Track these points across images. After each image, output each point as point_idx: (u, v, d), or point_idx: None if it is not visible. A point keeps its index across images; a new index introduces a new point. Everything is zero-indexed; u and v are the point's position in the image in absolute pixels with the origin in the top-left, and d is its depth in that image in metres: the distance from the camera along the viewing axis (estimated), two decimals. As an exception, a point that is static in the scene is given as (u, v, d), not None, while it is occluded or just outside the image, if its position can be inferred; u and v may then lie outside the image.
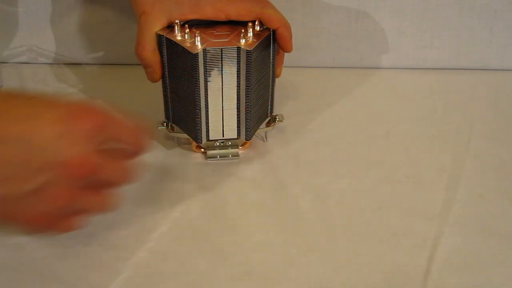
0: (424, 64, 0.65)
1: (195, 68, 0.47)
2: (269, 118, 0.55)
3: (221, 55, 0.48)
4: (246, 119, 0.51)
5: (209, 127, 0.52)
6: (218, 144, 0.53)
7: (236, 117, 0.51)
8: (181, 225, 0.47)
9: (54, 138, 0.38)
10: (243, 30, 0.49)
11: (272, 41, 0.51)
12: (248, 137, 0.52)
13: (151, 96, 0.55)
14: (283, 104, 0.60)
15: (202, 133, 0.51)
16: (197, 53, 0.47)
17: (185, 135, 0.53)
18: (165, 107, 0.53)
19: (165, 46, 0.49)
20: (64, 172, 0.39)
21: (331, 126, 0.57)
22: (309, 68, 0.66)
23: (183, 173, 0.52)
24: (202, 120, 0.51)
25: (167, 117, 0.54)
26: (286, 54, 0.53)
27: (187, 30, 0.48)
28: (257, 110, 0.53)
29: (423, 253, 0.44)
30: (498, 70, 0.65)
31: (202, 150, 0.54)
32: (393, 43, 0.65)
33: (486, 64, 0.65)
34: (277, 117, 0.55)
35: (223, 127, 0.52)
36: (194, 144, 0.53)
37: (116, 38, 0.66)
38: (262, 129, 0.55)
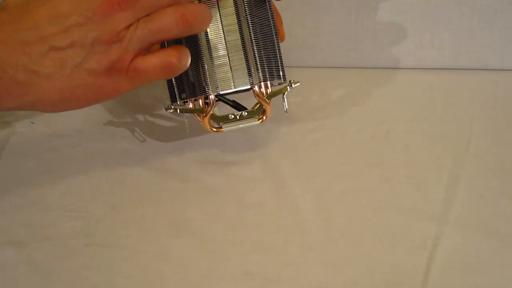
0: (424, 64, 0.65)
1: None
2: (283, 82, 0.53)
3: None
4: (255, 58, 0.49)
5: (217, 76, 0.49)
6: (233, 117, 0.50)
7: (244, 62, 0.49)
8: (181, 225, 0.47)
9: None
10: None
11: None
12: (261, 79, 0.49)
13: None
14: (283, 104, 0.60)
15: (211, 82, 0.49)
16: None
17: (195, 112, 0.51)
18: (168, 87, 0.51)
19: None
20: (101, 17, 0.41)
21: (331, 126, 0.57)
22: (309, 68, 0.66)
23: (183, 173, 0.52)
24: (207, 68, 0.49)
25: (172, 99, 0.51)
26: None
27: None
28: (266, 56, 0.50)
29: (423, 253, 0.44)
30: (498, 70, 0.65)
31: (215, 129, 0.51)
32: (393, 43, 0.65)
33: (486, 64, 0.65)
34: (292, 81, 0.52)
35: (232, 74, 0.49)
36: (207, 120, 0.50)
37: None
38: (277, 88, 0.51)
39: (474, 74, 0.64)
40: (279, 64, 0.52)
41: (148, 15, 0.43)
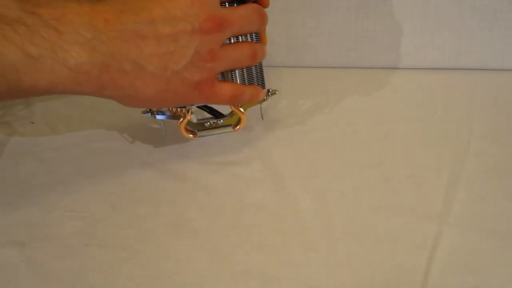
0: (424, 64, 0.65)
1: None
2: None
3: None
4: (231, 74, 0.50)
5: None
6: (209, 124, 0.53)
7: (220, 75, 0.50)
8: (181, 225, 0.47)
9: (189, 7, 0.43)
10: None
11: None
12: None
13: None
14: (283, 104, 0.60)
15: None
16: None
17: (172, 119, 0.52)
18: None
19: None
20: (205, 34, 0.44)
21: (331, 126, 0.57)
22: (309, 68, 0.66)
23: (183, 173, 0.52)
24: None
25: None
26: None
27: None
28: (244, 70, 0.51)
29: (423, 253, 0.44)
30: (498, 70, 0.65)
31: (191, 135, 0.53)
32: (393, 43, 0.65)
33: (486, 64, 0.65)
34: (270, 90, 0.53)
35: None
36: (183, 126, 0.51)
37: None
38: (255, 103, 0.53)
39: (474, 74, 0.64)
40: (259, 73, 0.52)
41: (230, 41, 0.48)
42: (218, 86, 0.48)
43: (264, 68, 0.52)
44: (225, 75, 0.50)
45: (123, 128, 0.58)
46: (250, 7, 0.48)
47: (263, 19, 0.49)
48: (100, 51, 0.41)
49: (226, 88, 0.48)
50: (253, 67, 0.51)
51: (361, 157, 0.53)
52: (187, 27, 0.43)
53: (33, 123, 0.59)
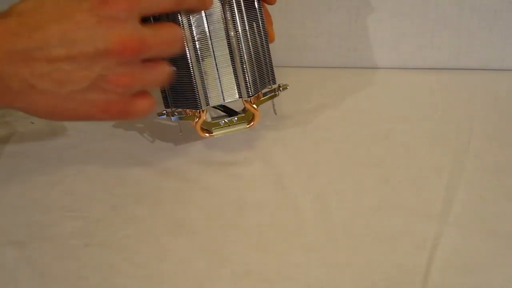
0: (424, 64, 0.65)
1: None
2: (272, 88, 0.54)
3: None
4: (243, 72, 0.50)
5: (207, 91, 0.50)
6: (224, 123, 0.53)
7: (233, 75, 0.50)
8: (181, 225, 0.47)
9: (93, 27, 0.40)
10: None
11: None
12: (250, 93, 0.51)
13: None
14: (283, 103, 0.60)
15: (201, 97, 0.50)
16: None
17: (187, 120, 0.52)
18: (162, 94, 0.52)
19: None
20: (114, 56, 0.40)
21: (331, 126, 0.57)
22: (309, 68, 0.67)
23: (183, 173, 0.52)
24: (197, 83, 0.49)
25: (166, 105, 0.52)
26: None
27: None
28: (255, 66, 0.51)
29: (423, 253, 0.44)
30: (498, 70, 0.65)
31: (207, 134, 0.53)
32: (393, 43, 0.65)
33: (486, 64, 0.65)
34: (281, 85, 0.54)
35: (221, 88, 0.50)
36: (199, 126, 0.52)
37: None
38: (266, 97, 0.53)
39: (474, 74, 0.64)
40: (269, 69, 0.53)
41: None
42: (132, 104, 0.44)
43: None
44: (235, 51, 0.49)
45: (123, 128, 0.58)
46: (173, 28, 0.45)
47: (181, 41, 0.46)
48: None
49: (142, 104, 0.45)
50: (265, 49, 0.51)
51: (361, 157, 0.53)
52: (88, 49, 0.40)
53: (33, 123, 0.59)
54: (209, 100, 0.50)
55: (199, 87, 0.50)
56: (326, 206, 0.48)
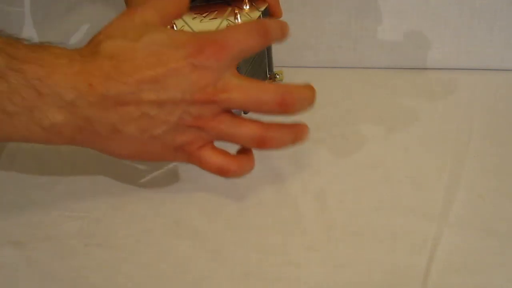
0: (424, 64, 0.65)
1: None
2: (268, 78, 0.55)
3: None
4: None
5: None
6: None
7: None
8: (181, 225, 0.47)
9: (186, 76, 0.40)
10: (231, 10, 0.49)
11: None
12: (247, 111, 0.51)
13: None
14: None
15: None
16: None
17: None
18: None
19: None
20: (195, 104, 0.40)
21: (331, 126, 0.57)
22: (309, 68, 0.66)
23: (183, 173, 0.52)
24: None
25: None
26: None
27: (173, 21, 0.48)
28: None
29: (423, 253, 0.44)
30: (498, 70, 0.65)
31: None
32: (393, 43, 0.65)
33: (486, 64, 0.65)
34: (277, 75, 0.55)
35: None
36: None
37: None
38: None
39: (474, 74, 0.64)
40: (267, 66, 0.54)
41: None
42: (204, 154, 0.44)
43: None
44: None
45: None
46: (265, 85, 0.43)
47: (274, 102, 0.43)
48: (77, 115, 0.40)
49: (214, 158, 0.44)
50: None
51: (361, 157, 0.53)
52: (176, 96, 0.40)
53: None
54: None
55: None
56: (326, 206, 0.48)
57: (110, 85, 0.39)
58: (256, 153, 0.54)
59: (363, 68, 0.66)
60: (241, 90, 0.41)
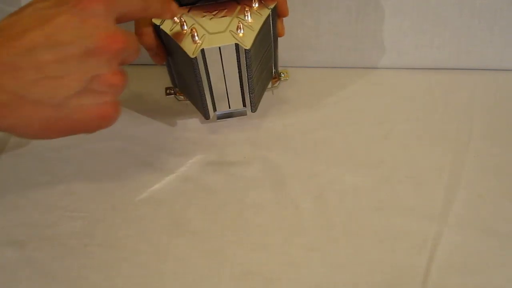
0: (424, 64, 0.65)
1: (195, 68, 0.47)
2: (274, 76, 0.57)
3: (220, 52, 0.48)
4: (251, 97, 0.51)
5: (215, 103, 0.52)
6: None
7: (240, 95, 0.52)
8: (181, 225, 0.47)
9: (78, 27, 0.39)
10: (240, 8, 0.49)
11: (272, 19, 0.51)
12: (254, 110, 0.53)
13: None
14: (283, 103, 0.60)
15: (209, 109, 0.52)
16: (195, 57, 0.47)
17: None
18: (171, 79, 0.54)
19: (162, 36, 0.49)
20: (104, 53, 0.40)
21: (331, 126, 0.57)
22: (309, 68, 0.66)
23: (183, 173, 0.52)
24: (207, 99, 0.51)
25: (174, 83, 0.55)
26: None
27: (183, 19, 0.48)
28: (262, 83, 0.53)
29: (423, 253, 0.44)
30: (498, 70, 0.65)
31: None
32: (393, 43, 0.65)
33: (486, 64, 0.65)
34: (282, 73, 0.56)
35: (228, 102, 0.53)
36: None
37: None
38: (268, 89, 0.56)
39: (474, 74, 0.64)
40: (273, 64, 0.55)
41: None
42: (119, 107, 0.43)
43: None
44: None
45: (123, 128, 0.58)
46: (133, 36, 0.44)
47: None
48: None
49: (119, 108, 0.43)
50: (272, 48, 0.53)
51: (361, 157, 0.54)
52: (76, 50, 0.39)
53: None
54: (216, 107, 0.52)
55: (207, 96, 0.51)
56: (326, 206, 0.48)
57: (2, 52, 0.38)
58: (256, 153, 0.54)
59: (363, 68, 0.66)
60: (132, 37, 0.42)
